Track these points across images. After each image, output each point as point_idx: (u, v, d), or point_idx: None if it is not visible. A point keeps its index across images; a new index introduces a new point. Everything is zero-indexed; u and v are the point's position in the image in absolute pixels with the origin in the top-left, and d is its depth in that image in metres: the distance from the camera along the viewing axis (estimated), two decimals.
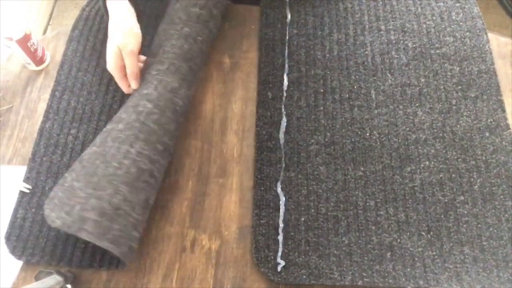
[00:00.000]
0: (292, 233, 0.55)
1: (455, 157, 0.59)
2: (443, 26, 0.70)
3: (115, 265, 0.54)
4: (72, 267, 0.54)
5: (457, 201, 0.56)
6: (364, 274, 0.52)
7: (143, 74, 0.61)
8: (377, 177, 0.58)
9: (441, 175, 0.58)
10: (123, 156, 0.53)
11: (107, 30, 0.61)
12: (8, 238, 0.55)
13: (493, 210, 0.56)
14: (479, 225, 0.55)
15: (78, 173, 0.53)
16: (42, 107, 0.66)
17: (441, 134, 0.61)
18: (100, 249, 0.54)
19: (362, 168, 0.59)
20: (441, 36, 0.69)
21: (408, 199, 0.57)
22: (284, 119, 0.63)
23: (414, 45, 0.68)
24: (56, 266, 0.54)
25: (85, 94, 0.66)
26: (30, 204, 0.58)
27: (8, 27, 0.62)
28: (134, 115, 0.56)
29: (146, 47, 0.65)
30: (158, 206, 0.58)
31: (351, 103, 0.64)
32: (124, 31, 0.59)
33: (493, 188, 0.57)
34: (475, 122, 0.62)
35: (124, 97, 0.64)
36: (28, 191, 0.58)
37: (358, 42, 0.69)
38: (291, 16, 0.72)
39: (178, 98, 0.59)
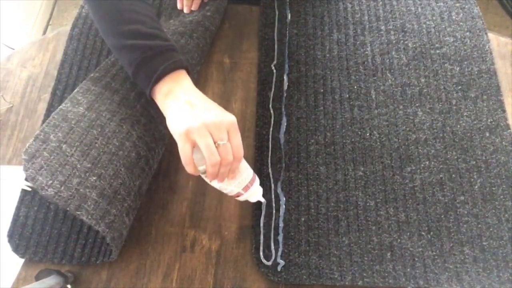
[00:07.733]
0: (292, 233, 0.55)
1: (455, 157, 0.59)
2: (443, 26, 0.69)
3: (107, 257, 0.53)
4: (74, 264, 0.54)
5: (457, 201, 0.56)
6: (364, 274, 0.52)
7: None
8: (377, 177, 0.58)
9: (441, 175, 0.58)
10: (125, 137, 0.52)
11: None
12: (11, 236, 0.56)
13: (493, 210, 0.56)
14: (479, 225, 0.55)
15: (65, 134, 0.49)
16: (42, 107, 0.66)
17: (441, 134, 0.61)
18: (97, 244, 0.54)
19: (362, 168, 0.59)
20: (441, 36, 0.69)
21: (408, 199, 0.57)
22: (284, 119, 0.63)
23: (414, 45, 0.68)
24: (58, 264, 0.54)
25: None
26: (32, 202, 0.58)
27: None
28: (133, 93, 0.55)
29: None
30: (158, 206, 0.58)
31: (351, 103, 0.64)
32: (215, 107, 0.47)
33: (493, 188, 0.57)
34: (475, 122, 0.61)
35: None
36: (30, 189, 0.58)
37: (358, 42, 0.69)
38: (291, 16, 0.72)
39: None
